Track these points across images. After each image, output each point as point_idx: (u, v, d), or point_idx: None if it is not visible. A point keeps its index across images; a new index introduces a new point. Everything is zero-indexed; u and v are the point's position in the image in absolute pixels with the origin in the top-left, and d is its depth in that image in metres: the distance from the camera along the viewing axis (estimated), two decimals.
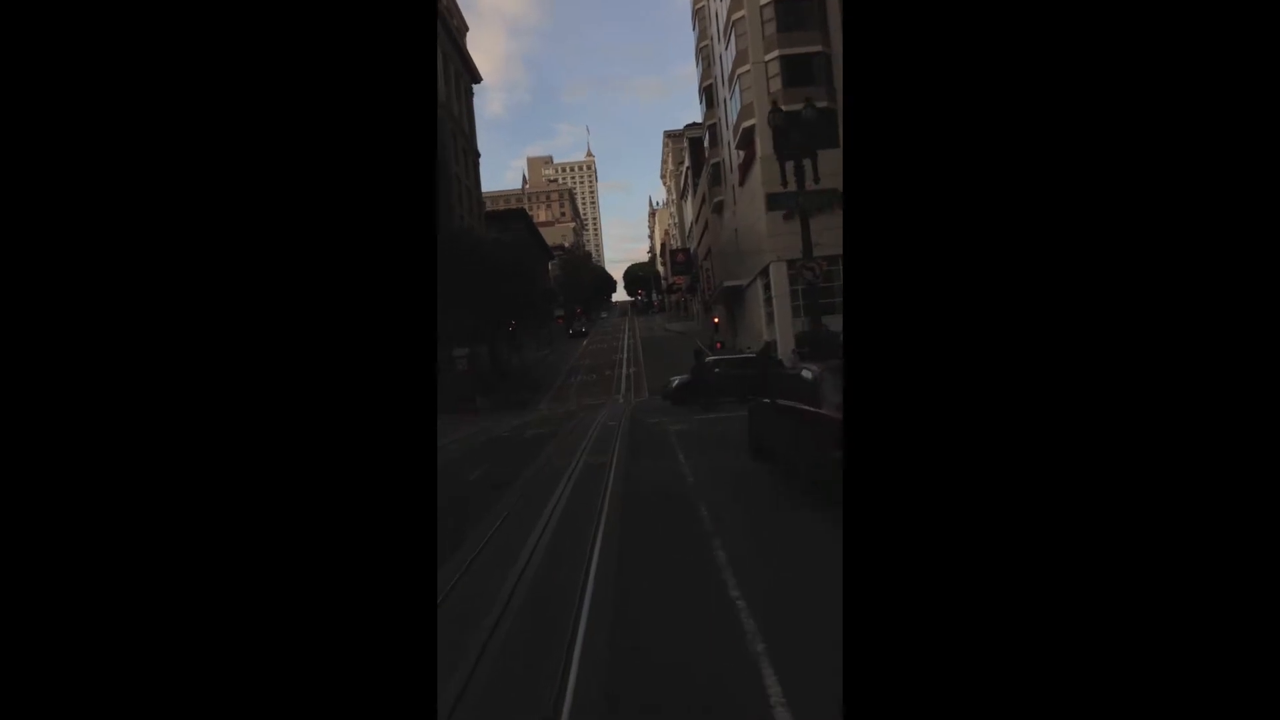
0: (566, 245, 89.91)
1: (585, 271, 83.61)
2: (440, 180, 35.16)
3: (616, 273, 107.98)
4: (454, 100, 41.37)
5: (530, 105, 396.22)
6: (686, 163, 61.73)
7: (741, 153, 32.44)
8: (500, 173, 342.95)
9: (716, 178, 42.35)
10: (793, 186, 13.13)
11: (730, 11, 29.57)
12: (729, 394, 18.28)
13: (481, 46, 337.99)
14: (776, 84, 27.87)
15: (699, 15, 42.23)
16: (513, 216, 54.80)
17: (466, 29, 47.08)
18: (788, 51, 27.33)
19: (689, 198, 64.55)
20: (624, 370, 37.17)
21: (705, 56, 41.69)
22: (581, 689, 2.76)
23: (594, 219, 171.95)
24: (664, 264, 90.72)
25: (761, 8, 27.84)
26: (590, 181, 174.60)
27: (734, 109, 31.57)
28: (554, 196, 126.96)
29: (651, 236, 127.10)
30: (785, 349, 25.74)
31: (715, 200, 43.17)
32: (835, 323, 16.04)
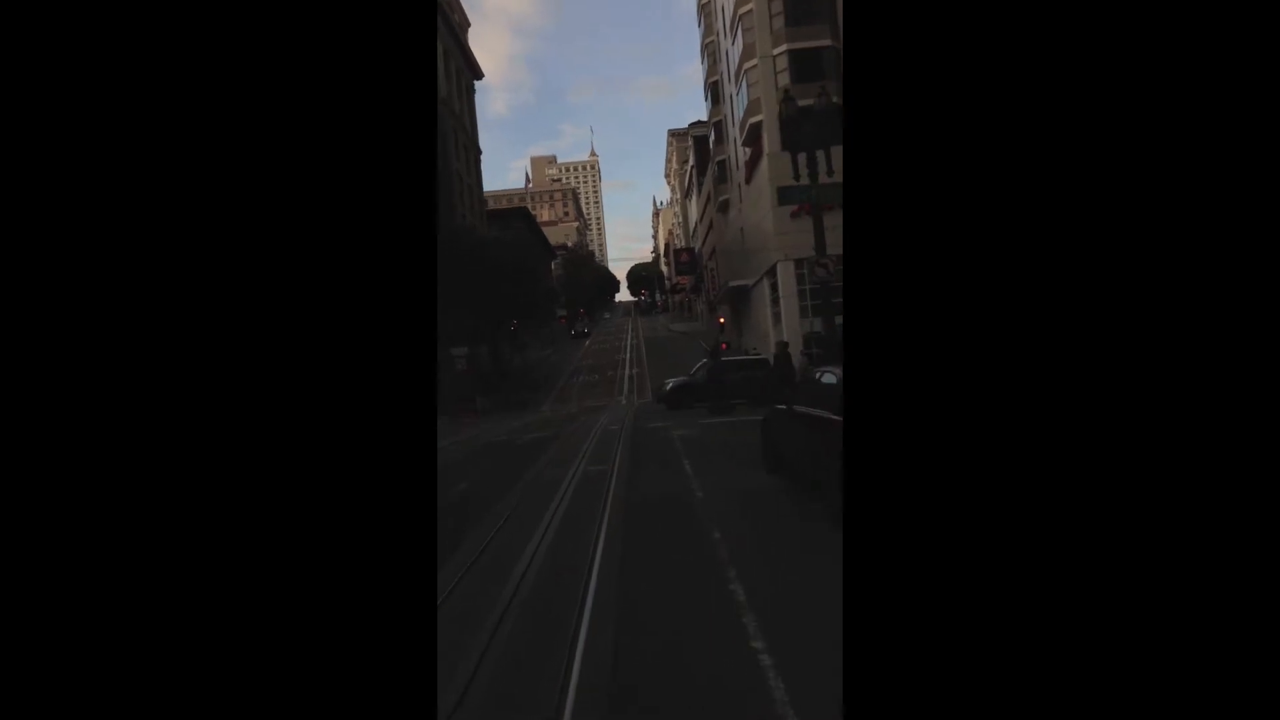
0: (569, 245, 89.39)
1: (588, 271, 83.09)
2: (441, 177, 34.72)
3: (620, 273, 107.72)
4: (455, 97, 40.95)
5: (534, 105, 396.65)
6: (691, 161, 61.23)
7: (748, 150, 31.86)
8: (504, 173, 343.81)
9: (722, 176, 41.78)
10: (805, 179, 12.50)
11: (737, 6, 28.95)
12: (740, 397, 17.64)
13: (486, 46, 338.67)
14: (785, 79, 27.25)
15: (705, 11, 41.65)
16: (515, 215, 54.31)
17: (468, 25, 46.67)
18: (796, 46, 26.70)
19: (693, 197, 64.08)
20: (626, 371, 36.67)
21: (711, 53, 41.11)
22: None
23: (597, 219, 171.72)
24: (668, 264, 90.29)
25: (770, 1, 27.23)
26: (594, 181, 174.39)
27: (740, 105, 30.99)
28: (557, 196, 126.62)
29: (655, 236, 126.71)
30: (793, 351, 25.14)
31: (720, 199, 42.59)
32: None
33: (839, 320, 13.25)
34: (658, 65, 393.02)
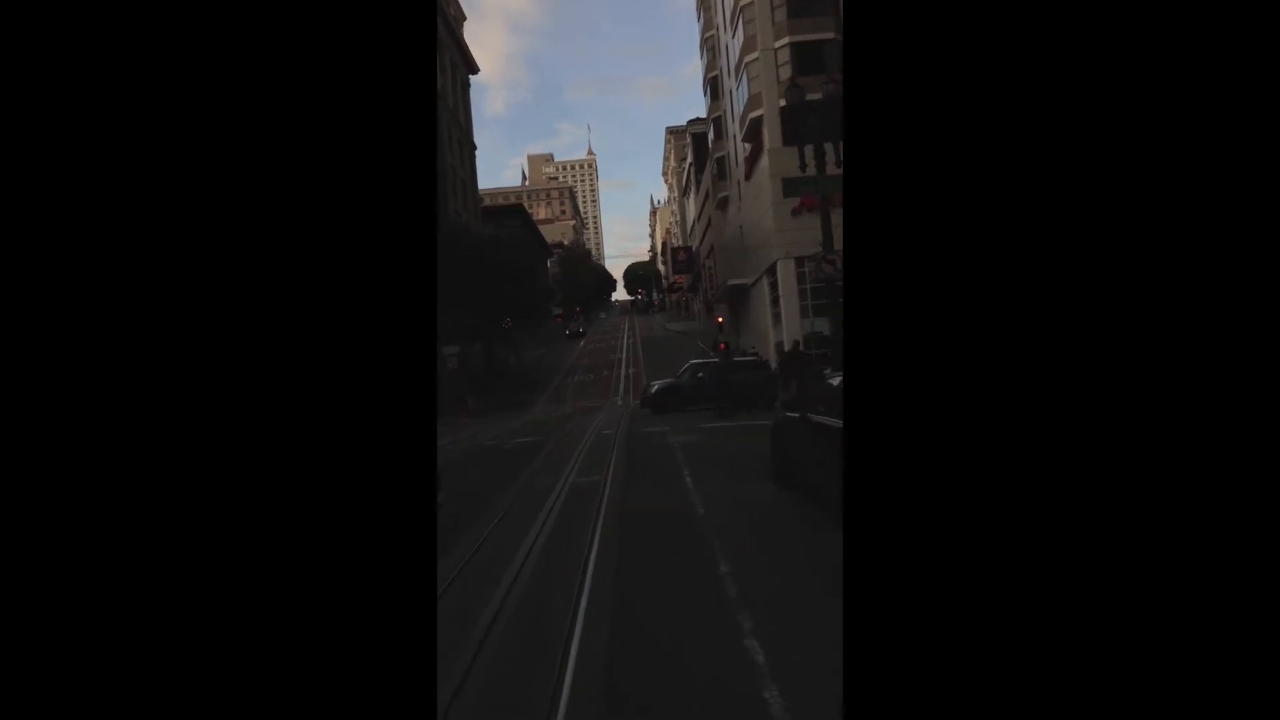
0: (566, 243, 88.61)
1: (585, 270, 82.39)
2: (438, 173, 34.01)
3: (617, 272, 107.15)
4: (450, 91, 40.30)
5: (532, 104, 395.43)
6: (689, 159, 60.63)
7: (748, 145, 31.24)
8: (500, 171, 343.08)
9: (721, 173, 41.15)
10: (811, 170, 11.85)
11: None
12: (733, 401, 16.88)
13: (484, 44, 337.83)
14: (786, 72, 26.60)
15: (704, 5, 41.01)
16: (510, 213, 53.58)
17: (464, 19, 45.98)
18: (799, 38, 26.07)
19: (691, 195, 63.51)
20: (623, 371, 36.04)
21: (710, 47, 40.46)
22: None
23: (594, 217, 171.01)
24: (665, 263, 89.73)
25: None
26: (591, 180, 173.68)
27: (740, 100, 30.36)
28: (554, 194, 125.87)
29: (652, 235, 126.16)
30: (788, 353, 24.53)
31: (719, 196, 41.95)
32: None
33: None
34: (656, 64, 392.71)
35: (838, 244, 11.82)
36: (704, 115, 45.68)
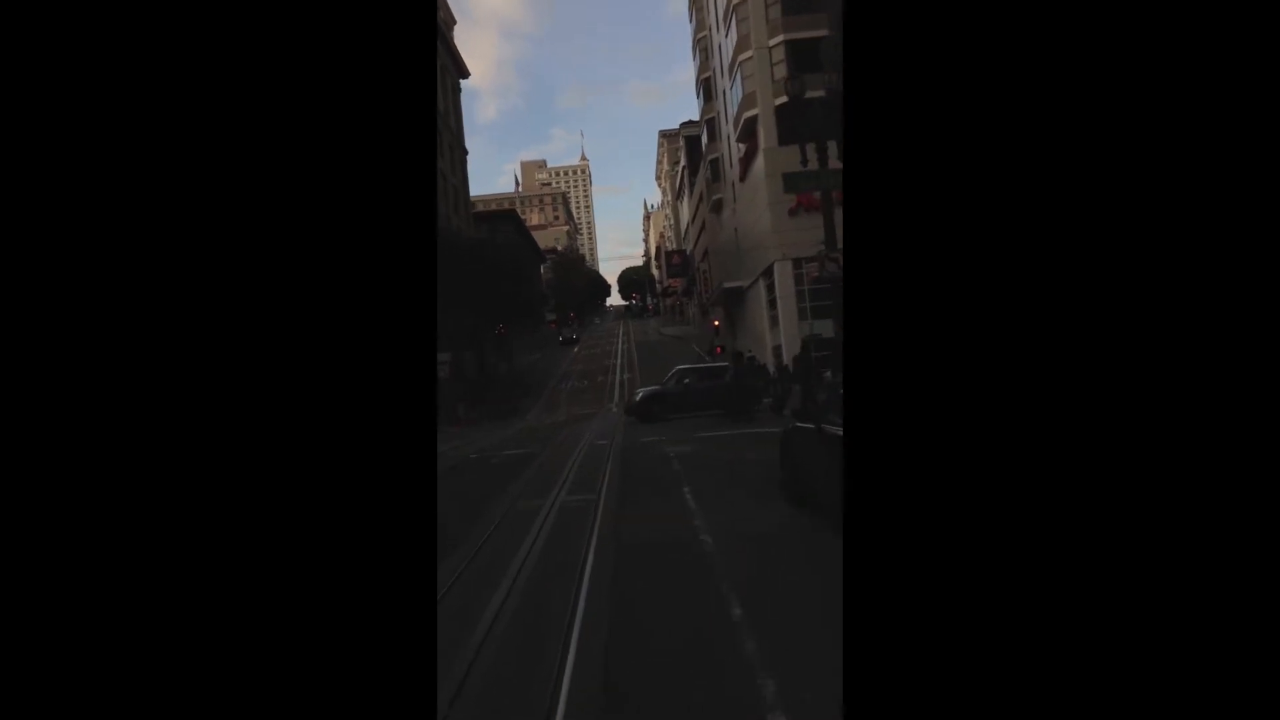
0: (559, 249, 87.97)
1: (578, 275, 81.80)
2: None
3: (611, 277, 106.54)
4: (441, 95, 39.70)
5: (524, 110, 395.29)
6: (682, 162, 60.21)
7: (742, 146, 30.75)
8: (493, 177, 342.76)
9: (715, 175, 40.69)
10: (814, 165, 11.30)
11: None
12: (721, 407, 16.22)
13: (475, 51, 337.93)
14: (781, 70, 26.15)
15: (696, 5, 40.58)
16: (503, 218, 52.98)
17: (454, 22, 45.50)
18: (793, 36, 25.61)
19: (685, 198, 63.07)
20: (617, 376, 35.46)
21: (703, 49, 40.05)
22: None
23: (588, 223, 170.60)
24: (659, 267, 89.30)
25: None
26: (584, 185, 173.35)
27: (734, 99, 29.88)
28: (547, 200, 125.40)
29: (646, 240, 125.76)
30: (790, 355, 24.00)
31: (714, 198, 41.48)
32: None
33: None
34: (648, 69, 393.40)
35: (841, 242, 11.26)
36: (696, 118, 45.27)
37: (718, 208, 40.96)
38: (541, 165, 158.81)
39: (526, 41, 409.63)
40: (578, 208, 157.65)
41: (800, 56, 24.82)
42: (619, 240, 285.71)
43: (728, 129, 34.19)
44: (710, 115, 39.56)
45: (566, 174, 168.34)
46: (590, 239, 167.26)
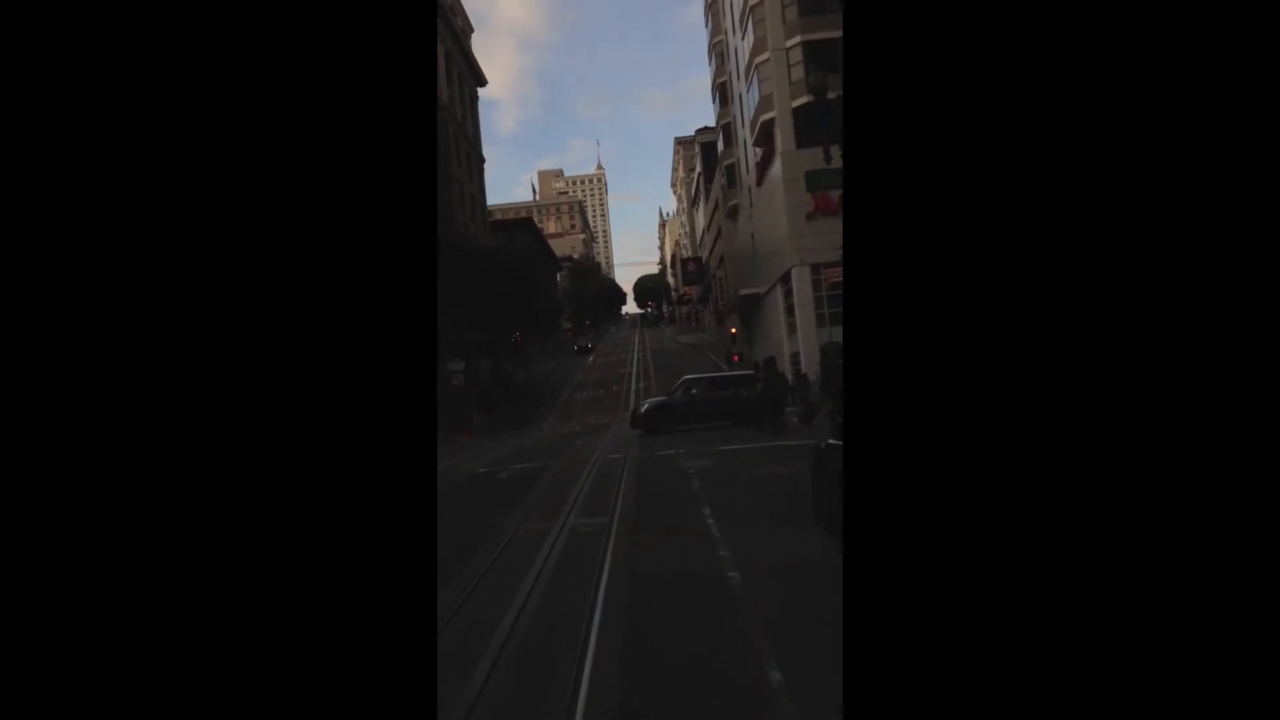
0: (575, 257, 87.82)
1: (594, 283, 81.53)
2: (441, 183, 33.45)
3: (626, 285, 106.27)
4: (458, 102, 39.70)
5: (541, 119, 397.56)
6: (698, 168, 59.84)
7: (759, 150, 30.26)
8: (511, 187, 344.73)
9: (731, 180, 40.23)
10: (837, 163, 10.78)
11: None
12: (730, 418, 15.61)
13: (494, 62, 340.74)
14: (799, 72, 25.66)
15: (712, 10, 40.23)
16: (519, 226, 52.81)
17: (471, 31, 45.52)
18: (811, 37, 25.12)
19: (700, 205, 62.67)
20: (633, 385, 35.00)
21: (719, 53, 39.68)
22: None
23: (604, 231, 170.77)
24: (674, 275, 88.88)
25: None
26: (600, 194, 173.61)
27: (751, 103, 29.42)
28: (564, 208, 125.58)
29: (662, 248, 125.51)
30: (809, 363, 23.40)
31: (729, 204, 41.01)
32: None
33: None
34: (665, 79, 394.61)
35: None
36: (711, 125, 44.83)
37: (734, 214, 40.45)
38: (559, 174, 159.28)
39: (544, 52, 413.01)
40: (594, 216, 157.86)
41: (818, 57, 24.27)
42: (635, 248, 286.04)
43: (744, 133, 33.72)
44: (726, 120, 39.13)
45: (583, 183, 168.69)
46: (606, 247, 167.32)
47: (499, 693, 3.03)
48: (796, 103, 25.50)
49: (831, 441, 5.19)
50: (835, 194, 19.46)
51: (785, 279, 26.06)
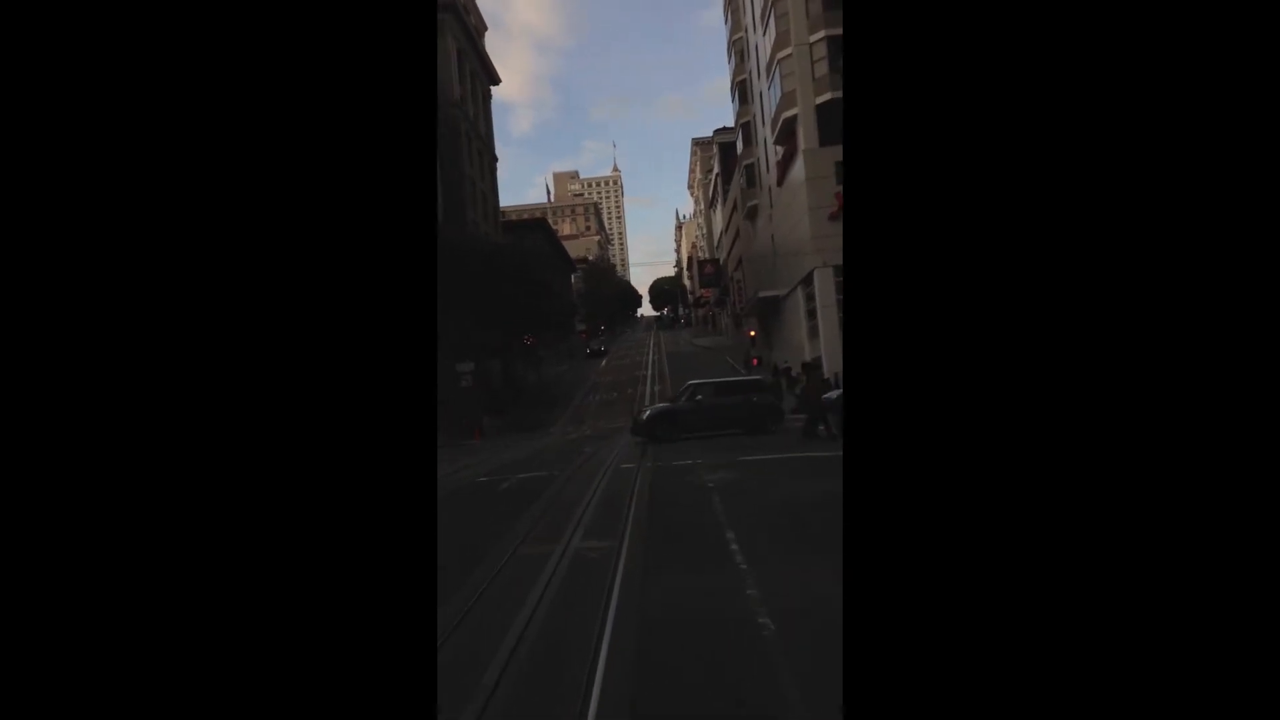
0: (590, 258, 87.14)
1: (609, 284, 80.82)
2: (452, 181, 32.88)
3: (642, 288, 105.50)
4: (470, 100, 39.15)
5: (557, 123, 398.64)
6: (716, 169, 59.00)
7: (780, 149, 29.36)
8: (527, 189, 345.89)
9: (750, 180, 39.32)
10: None
11: None
12: (737, 426, 14.71)
13: (510, 65, 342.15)
14: (823, 68, 24.79)
15: (731, 6, 39.40)
16: (533, 226, 52.15)
17: (485, 29, 45.04)
18: (835, 31, 24.18)
19: (718, 206, 61.81)
20: (648, 388, 34.13)
21: (739, 50, 38.83)
22: None
23: (620, 233, 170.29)
24: (691, 277, 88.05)
25: None
26: (616, 196, 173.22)
27: (773, 100, 28.53)
28: (579, 210, 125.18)
29: (678, 250, 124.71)
30: (831, 368, 22.45)
31: (749, 205, 40.10)
32: None
33: None
34: (682, 82, 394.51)
35: None
36: (729, 125, 43.96)
37: (753, 214, 39.54)
38: (574, 176, 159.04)
39: (560, 55, 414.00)
40: (609, 218, 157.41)
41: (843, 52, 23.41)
42: (650, 251, 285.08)
43: (764, 132, 32.83)
44: (746, 119, 38.26)
45: (598, 185, 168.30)
46: (622, 249, 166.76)
47: None
48: (820, 99, 24.60)
49: None
50: None
51: (807, 281, 25.15)
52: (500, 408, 29.09)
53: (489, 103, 44.10)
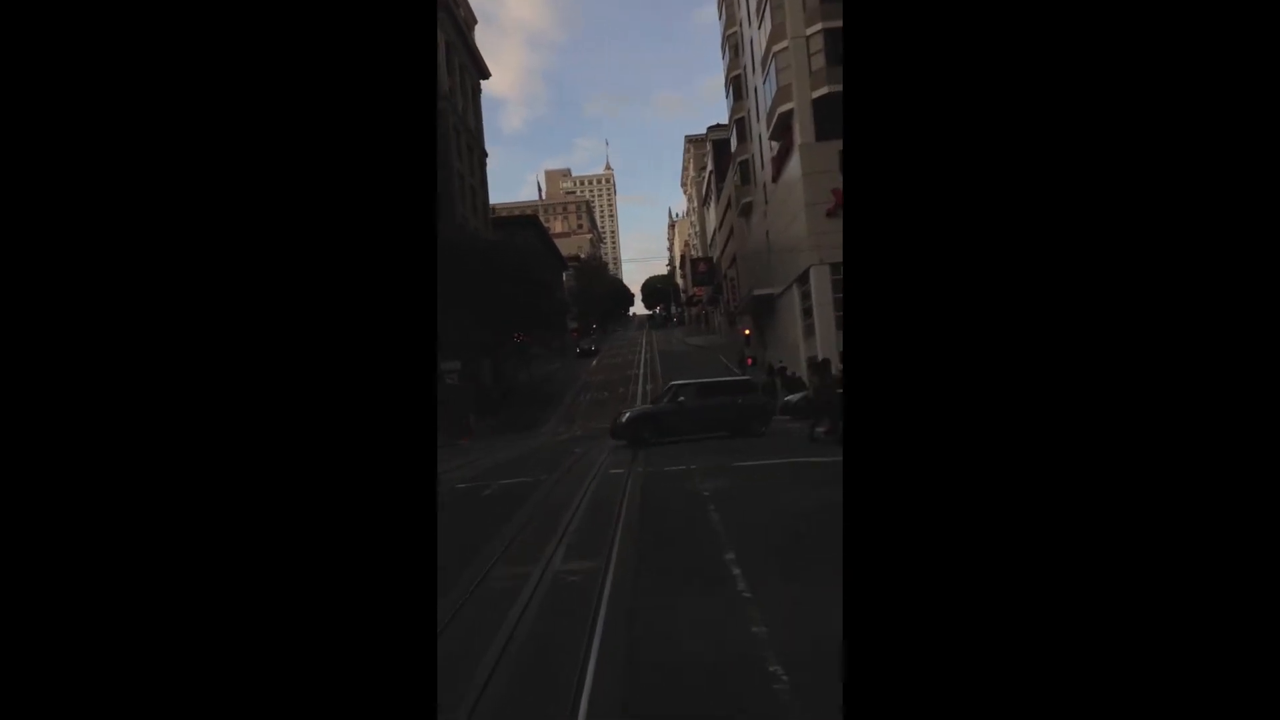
0: (582, 256, 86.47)
1: (601, 283, 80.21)
2: (441, 175, 32.21)
3: (634, 287, 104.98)
4: (459, 94, 38.49)
5: (549, 119, 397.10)
6: (709, 166, 58.54)
7: (775, 145, 28.84)
8: (517, 187, 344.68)
9: (744, 177, 38.79)
10: None
11: None
12: (725, 428, 14.18)
13: (502, 61, 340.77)
14: (819, 61, 24.29)
15: (726, 1, 38.84)
16: (523, 223, 51.44)
17: (474, 22, 44.37)
18: (832, 24, 23.69)
19: (712, 204, 61.33)
20: (640, 387, 33.60)
21: (733, 45, 38.29)
22: None
23: (612, 232, 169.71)
24: (684, 276, 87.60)
25: None
26: (609, 195, 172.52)
27: (768, 95, 28.02)
28: (571, 208, 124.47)
29: (671, 249, 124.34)
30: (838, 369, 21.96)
31: (743, 202, 39.59)
32: None
33: None
34: (675, 80, 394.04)
35: None
36: (723, 122, 43.47)
37: (747, 211, 39.05)
38: (566, 174, 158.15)
39: (553, 51, 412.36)
40: (602, 217, 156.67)
41: (840, 46, 22.92)
42: (643, 250, 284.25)
43: (759, 127, 32.33)
44: (740, 115, 37.74)
45: (591, 183, 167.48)
46: (614, 248, 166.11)
47: None
48: (817, 93, 24.11)
49: None
50: None
51: (803, 279, 24.66)
52: (489, 407, 28.49)
53: (478, 97, 43.46)
